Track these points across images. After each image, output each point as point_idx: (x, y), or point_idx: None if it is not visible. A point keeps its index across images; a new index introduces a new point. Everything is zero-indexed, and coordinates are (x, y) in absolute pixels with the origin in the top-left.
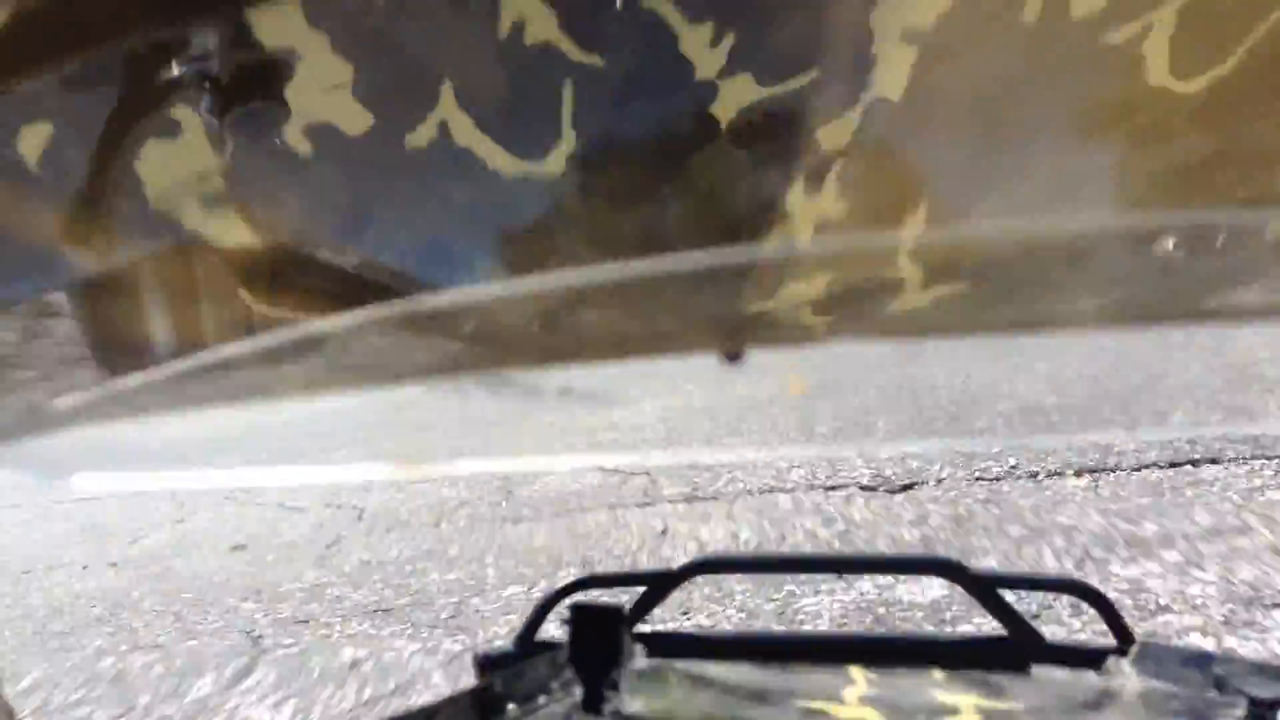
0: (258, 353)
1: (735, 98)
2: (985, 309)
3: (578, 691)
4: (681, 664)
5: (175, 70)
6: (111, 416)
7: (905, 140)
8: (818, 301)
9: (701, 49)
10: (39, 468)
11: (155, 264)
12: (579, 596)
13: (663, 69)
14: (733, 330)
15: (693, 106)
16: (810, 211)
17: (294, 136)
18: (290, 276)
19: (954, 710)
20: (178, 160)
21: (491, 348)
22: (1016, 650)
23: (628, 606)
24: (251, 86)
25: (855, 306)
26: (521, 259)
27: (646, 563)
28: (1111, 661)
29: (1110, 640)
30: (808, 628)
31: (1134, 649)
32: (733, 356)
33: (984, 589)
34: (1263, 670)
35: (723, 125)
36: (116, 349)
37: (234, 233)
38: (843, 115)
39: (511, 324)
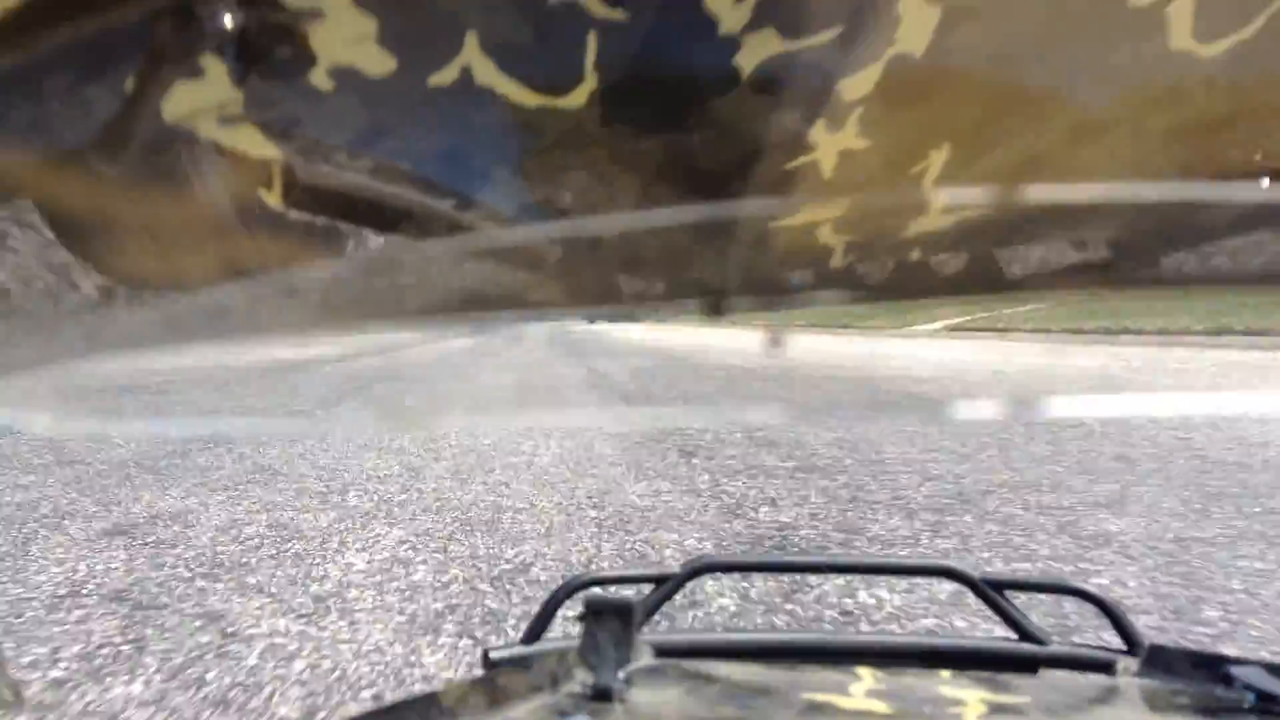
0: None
1: (759, 50)
2: (1006, 236)
3: (586, 686)
4: (689, 663)
5: (202, 27)
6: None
7: (926, 92)
8: (839, 220)
9: (726, 5)
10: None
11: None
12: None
13: (685, 24)
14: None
15: (716, 58)
16: (833, 144)
17: (318, 78)
18: (307, 180)
19: (960, 703)
20: (199, 94)
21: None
22: (1025, 654)
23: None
24: (276, 40)
25: (876, 227)
26: (542, 171)
27: None
28: (1121, 664)
29: (1118, 644)
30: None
31: (1143, 651)
32: (716, 305)
33: (989, 592)
34: (1275, 670)
35: (744, 76)
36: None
37: (249, 142)
38: (864, 70)
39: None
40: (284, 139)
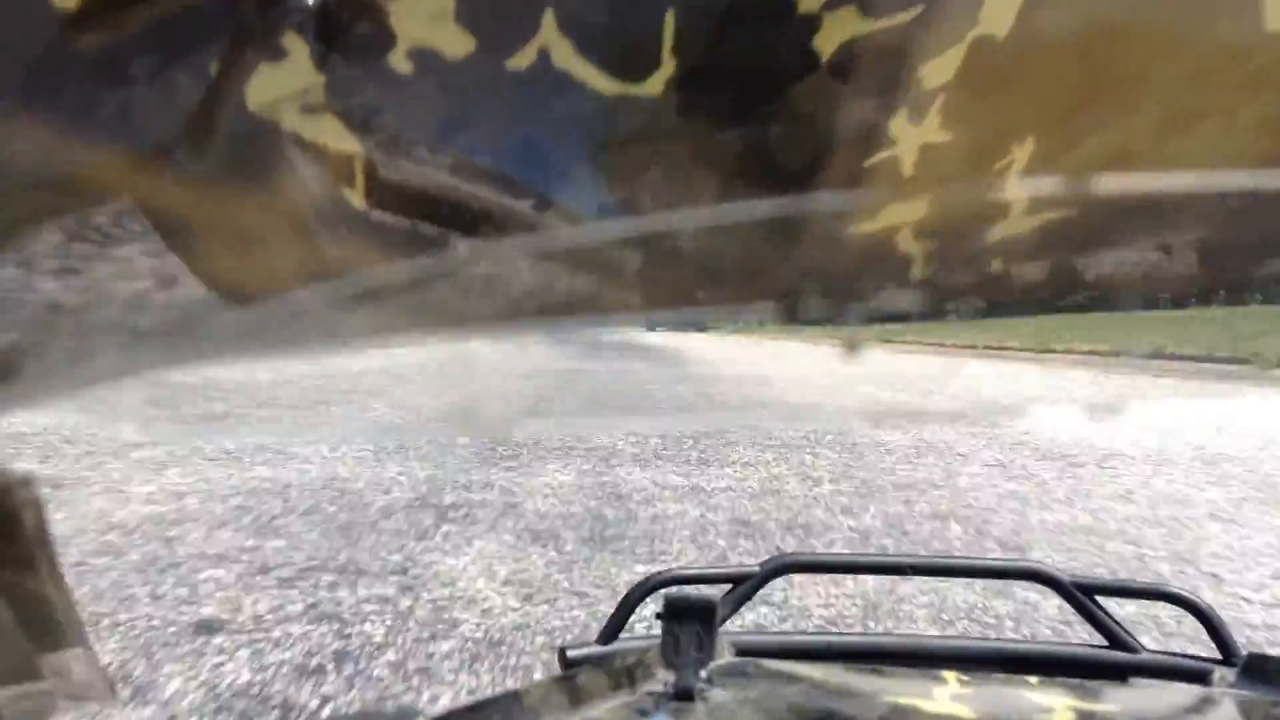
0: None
1: (838, 31)
2: (1089, 241)
3: (668, 685)
4: (770, 663)
5: (286, 3)
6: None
7: (1010, 78)
8: (920, 224)
9: None
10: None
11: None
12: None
13: (765, 2)
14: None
15: (794, 39)
16: (914, 137)
17: (397, 60)
18: (388, 177)
19: (1048, 710)
20: (282, 78)
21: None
22: (1115, 661)
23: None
24: (356, 17)
25: (957, 232)
26: (620, 168)
27: None
28: (1217, 674)
29: (1214, 653)
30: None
31: (1241, 660)
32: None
33: (1079, 596)
34: None
35: (823, 59)
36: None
37: (331, 134)
38: (946, 52)
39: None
40: (365, 131)
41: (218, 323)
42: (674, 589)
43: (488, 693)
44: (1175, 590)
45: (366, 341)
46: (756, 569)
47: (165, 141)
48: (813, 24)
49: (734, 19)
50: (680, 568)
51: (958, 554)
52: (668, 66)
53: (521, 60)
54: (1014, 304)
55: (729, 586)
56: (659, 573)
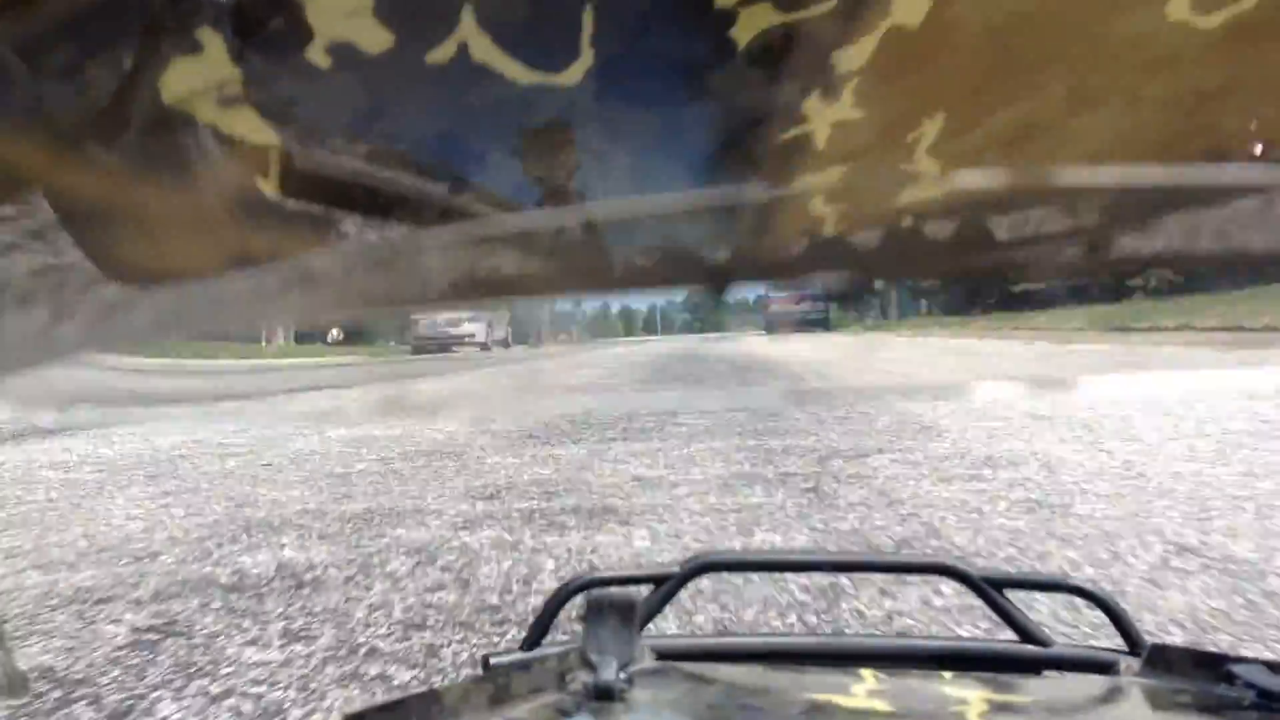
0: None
1: (754, 23)
2: (996, 205)
3: (588, 685)
4: (690, 665)
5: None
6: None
7: (922, 62)
8: (832, 190)
9: None
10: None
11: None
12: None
13: None
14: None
15: (710, 31)
16: (827, 115)
17: (315, 54)
18: (304, 167)
19: (963, 702)
20: (198, 71)
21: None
22: (1027, 655)
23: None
24: (272, 11)
25: (868, 195)
26: (537, 151)
27: None
28: (1124, 664)
29: (1119, 644)
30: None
31: (1145, 651)
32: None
33: (989, 591)
34: (1277, 668)
35: (739, 47)
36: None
37: (247, 125)
38: (859, 41)
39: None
40: (281, 122)
41: (137, 309)
42: (596, 590)
43: None
44: (1081, 584)
45: (289, 322)
46: (676, 569)
47: (77, 133)
48: (729, 18)
49: (652, 13)
50: (602, 571)
51: (869, 551)
52: (586, 57)
53: (441, 55)
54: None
55: (651, 587)
56: (580, 575)
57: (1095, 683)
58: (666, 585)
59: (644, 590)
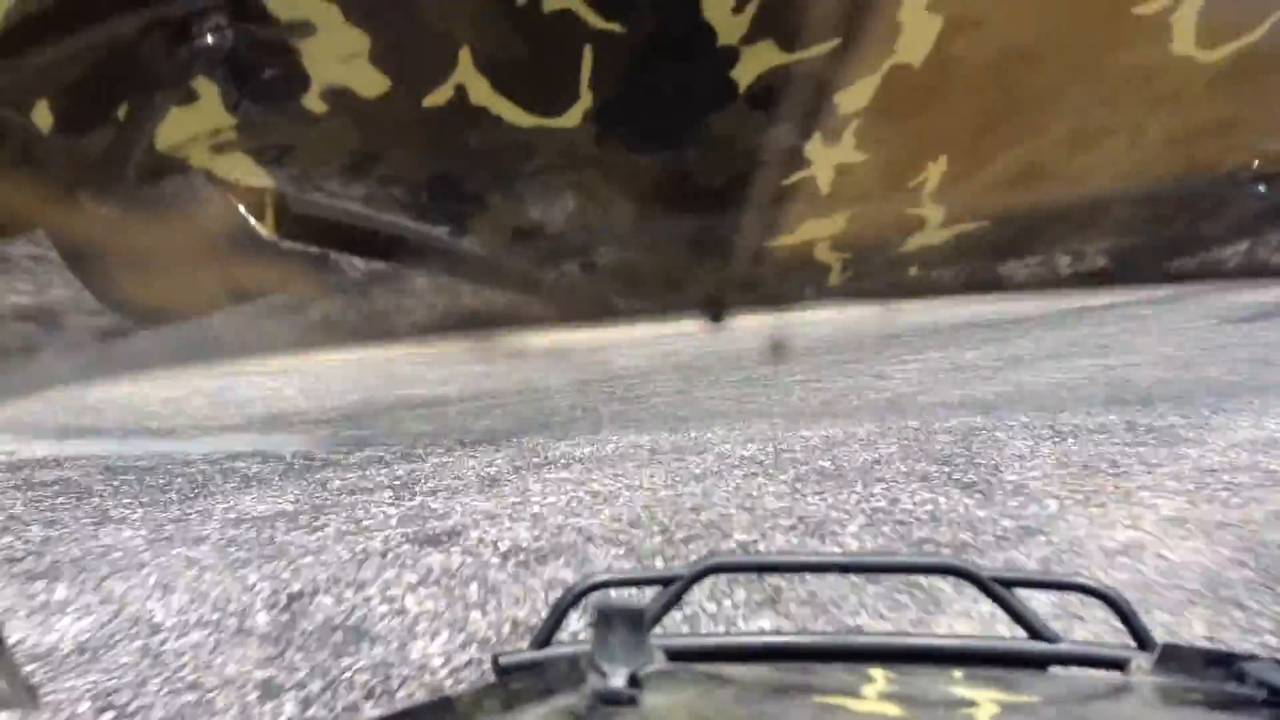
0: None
1: (756, 63)
2: (1004, 251)
3: (598, 690)
4: (700, 666)
5: (193, 44)
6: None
7: (925, 102)
8: (836, 237)
9: (725, 15)
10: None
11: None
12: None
13: (683, 35)
14: (726, 285)
15: (712, 71)
16: (829, 159)
17: (311, 100)
18: (300, 210)
19: (972, 704)
20: (193, 120)
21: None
22: (1036, 653)
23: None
24: (267, 58)
25: (873, 244)
26: (536, 194)
27: None
28: (1134, 662)
29: (1128, 641)
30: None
31: (1156, 650)
32: (716, 316)
33: (997, 590)
34: None
35: (740, 89)
36: (118, 307)
37: (242, 170)
38: (862, 80)
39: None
40: (276, 166)
41: (135, 341)
42: (603, 593)
43: None
44: (1090, 584)
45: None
46: (684, 572)
47: (74, 182)
48: (731, 56)
49: (653, 51)
50: (609, 573)
51: (877, 552)
52: (585, 99)
53: (438, 98)
54: None
55: (658, 589)
56: (588, 577)
57: (1106, 680)
58: (675, 587)
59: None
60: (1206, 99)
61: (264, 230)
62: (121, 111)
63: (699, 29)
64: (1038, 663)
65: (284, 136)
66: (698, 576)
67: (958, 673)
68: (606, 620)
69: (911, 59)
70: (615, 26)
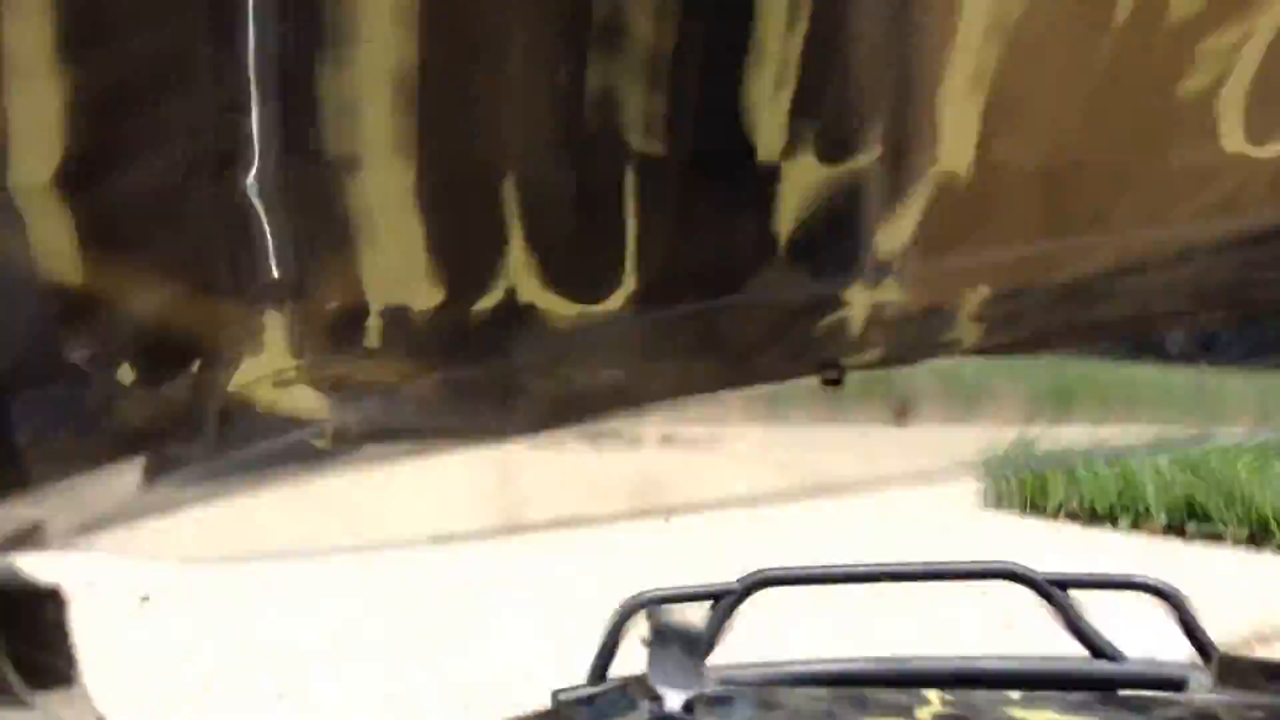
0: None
1: (799, 178)
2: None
3: (653, 713)
4: (755, 690)
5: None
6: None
7: (968, 228)
8: (863, 366)
9: (767, 131)
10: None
11: None
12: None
13: (724, 151)
14: None
15: (754, 218)
16: (869, 299)
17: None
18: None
19: None
20: (259, 365)
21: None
22: (1096, 673)
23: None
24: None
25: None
26: (576, 381)
27: None
28: (1194, 681)
29: (1184, 643)
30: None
31: (1214, 664)
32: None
33: (1057, 596)
34: None
35: (781, 240)
36: None
37: (301, 398)
38: (904, 207)
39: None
40: (333, 392)
41: None
42: (657, 611)
43: None
44: (1151, 581)
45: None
46: (736, 585)
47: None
48: (773, 174)
49: (694, 176)
50: (658, 589)
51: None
52: (629, 283)
53: (488, 301)
54: None
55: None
56: (637, 596)
57: (1167, 700)
58: (726, 602)
59: (703, 607)
60: (1269, 199)
61: (321, 443)
62: (195, 367)
63: (738, 143)
64: (1098, 683)
65: (342, 369)
66: (749, 591)
67: (1014, 694)
68: (661, 640)
69: (957, 165)
70: (657, 148)
